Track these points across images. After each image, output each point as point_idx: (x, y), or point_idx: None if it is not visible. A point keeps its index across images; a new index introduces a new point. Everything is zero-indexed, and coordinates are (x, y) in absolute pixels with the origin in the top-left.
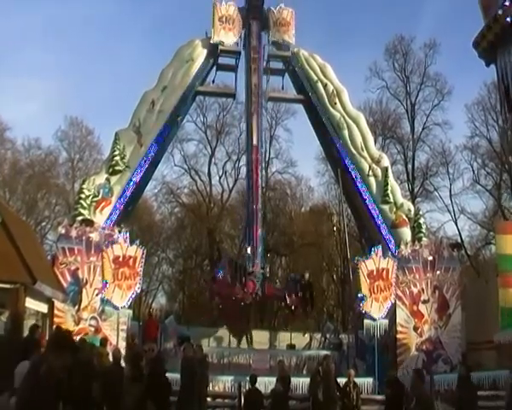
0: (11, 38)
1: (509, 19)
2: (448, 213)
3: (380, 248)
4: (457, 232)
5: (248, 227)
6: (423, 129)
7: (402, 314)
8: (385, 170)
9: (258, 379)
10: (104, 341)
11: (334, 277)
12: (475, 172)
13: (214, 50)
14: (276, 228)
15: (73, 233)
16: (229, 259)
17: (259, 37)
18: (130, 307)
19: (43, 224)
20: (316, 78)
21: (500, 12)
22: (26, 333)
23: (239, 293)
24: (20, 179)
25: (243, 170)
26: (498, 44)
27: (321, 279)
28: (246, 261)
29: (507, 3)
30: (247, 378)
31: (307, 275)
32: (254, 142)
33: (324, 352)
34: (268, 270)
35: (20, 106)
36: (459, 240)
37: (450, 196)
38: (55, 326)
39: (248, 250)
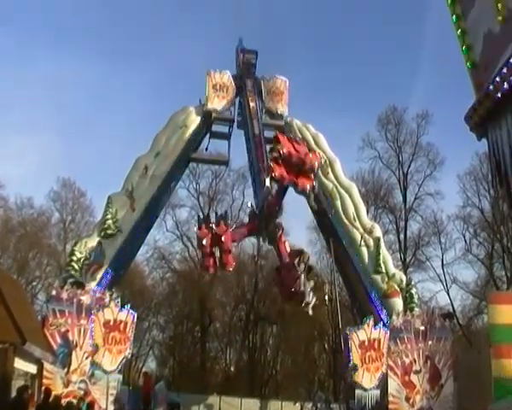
0: (5, 96)
1: (499, 94)
2: (440, 283)
3: (371, 319)
4: (449, 302)
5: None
6: (415, 199)
7: (394, 384)
8: (377, 240)
9: None
10: (91, 405)
11: (326, 346)
12: (467, 241)
13: (208, 118)
14: (267, 296)
15: (64, 295)
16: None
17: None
18: (120, 372)
19: (34, 283)
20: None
21: (491, 87)
22: (13, 394)
23: None
24: (11, 238)
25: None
26: (489, 119)
27: (312, 348)
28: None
29: (498, 79)
30: None
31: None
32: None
33: None
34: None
35: (14, 164)
36: (451, 310)
37: (442, 265)
38: (43, 388)
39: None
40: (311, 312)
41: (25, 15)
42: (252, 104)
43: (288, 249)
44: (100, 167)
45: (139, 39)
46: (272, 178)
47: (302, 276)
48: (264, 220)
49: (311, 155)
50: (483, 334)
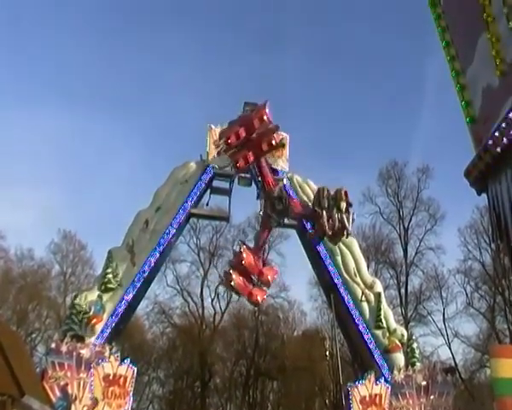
0: (7, 147)
1: (499, 149)
2: (441, 337)
3: (373, 374)
4: (451, 356)
5: None
6: (416, 253)
7: None
8: (378, 295)
9: None
10: None
11: (327, 401)
12: (469, 295)
13: (208, 174)
14: (268, 352)
15: (64, 348)
16: None
17: None
18: None
19: (34, 335)
20: (309, 203)
21: (491, 142)
22: None
23: None
24: (11, 289)
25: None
26: (489, 174)
27: (313, 403)
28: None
29: (497, 134)
30: None
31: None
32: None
33: None
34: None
35: (14, 215)
36: (453, 364)
37: (444, 319)
38: None
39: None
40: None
41: (29, 74)
42: None
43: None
44: (101, 221)
45: (139, 93)
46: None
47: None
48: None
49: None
50: (486, 388)
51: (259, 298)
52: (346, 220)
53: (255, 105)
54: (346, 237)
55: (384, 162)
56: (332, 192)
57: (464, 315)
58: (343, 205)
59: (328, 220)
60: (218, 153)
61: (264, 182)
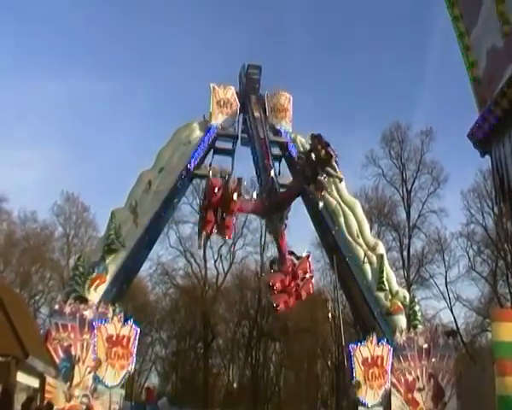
0: (10, 111)
1: (503, 111)
2: (443, 301)
3: (374, 336)
4: (453, 319)
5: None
6: (419, 216)
7: (397, 402)
8: (380, 257)
9: None
10: None
11: (329, 363)
12: (471, 259)
13: (211, 134)
14: (270, 313)
15: (67, 310)
16: None
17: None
18: (122, 387)
19: (37, 297)
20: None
21: (495, 103)
22: (17, 407)
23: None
24: (14, 251)
25: (238, 254)
26: (493, 136)
27: (315, 365)
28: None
29: (501, 95)
30: None
31: None
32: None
33: None
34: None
35: (18, 178)
36: (454, 327)
37: (446, 283)
38: (46, 402)
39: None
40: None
41: (36, 33)
42: (256, 114)
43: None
44: (103, 182)
45: (142, 54)
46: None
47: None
48: (270, 208)
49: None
50: (487, 351)
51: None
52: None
53: (258, 68)
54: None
55: (387, 125)
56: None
57: (466, 279)
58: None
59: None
60: None
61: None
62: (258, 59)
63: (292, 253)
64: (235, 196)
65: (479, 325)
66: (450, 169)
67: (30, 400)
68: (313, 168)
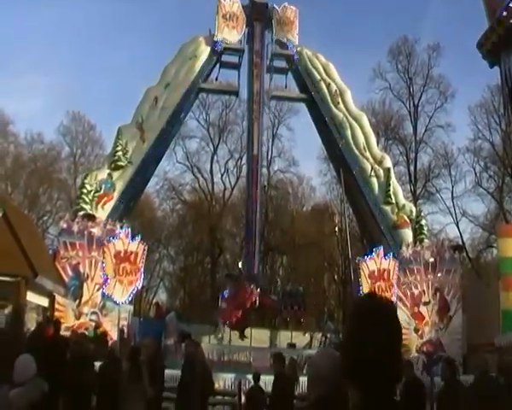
0: (15, 35)
1: None
2: (450, 216)
3: (381, 249)
4: (459, 235)
5: (246, 239)
6: (426, 131)
7: (403, 315)
8: (387, 171)
9: None
10: (104, 335)
11: (336, 277)
12: (477, 174)
13: (218, 48)
14: (277, 227)
15: (75, 228)
16: (230, 278)
17: (262, 40)
18: (131, 303)
19: (45, 218)
20: (319, 77)
21: (504, 14)
22: (28, 326)
23: (243, 303)
24: (22, 173)
25: (245, 168)
26: (502, 46)
27: (322, 279)
28: (242, 267)
29: (511, 5)
30: (247, 376)
31: (301, 288)
32: (255, 151)
33: None
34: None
35: (24, 100)
36: (460, 242)
37: (452, 198)
38: (54, 320)
39: (240, 265)
40: None
41: None
42: (256, 72)
43: None
44: (109, 100)
45: None
46: None
47: None
48: None
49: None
50: (492, 267)
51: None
52: None
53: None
54: None
55: (395, 38)
56: None
57: (473, 194)
58: None
59: None
60: None
61: None
62: None
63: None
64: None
65: (484, 241)
66: (458, 84)
67: (40, 326)
68: None
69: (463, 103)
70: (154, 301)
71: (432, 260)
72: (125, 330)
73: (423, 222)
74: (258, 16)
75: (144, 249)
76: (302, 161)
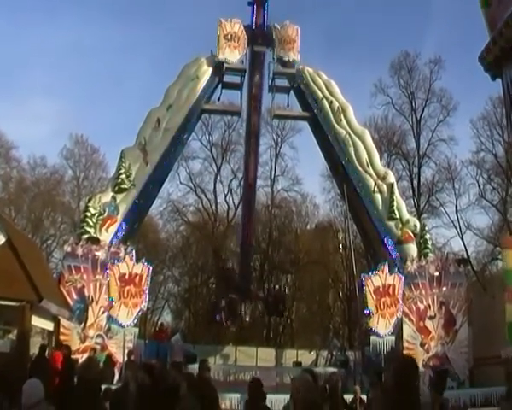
0: (17, 60)
1: None
2: (454, 229)
3: (386, 265)
4: (463, 248)
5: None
6: (429, 145)
7: (409, 330)
8: (390, 186)
9: None
10: (109, 357)
11: (340, 293)
12: (481, 187)
13: (219, 68)
14: (281, 246)
15: (79, 251)
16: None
17: (263, 61)
18: (136, 326)
19: (49, 242)
20: (321, 95)
21: (505, 26)
22: (33, 351)
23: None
24: (25, 198)
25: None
26: (504, 58)
27: (327, 296)
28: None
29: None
30: None
31: (285, 291)
32: (250, 180)
33: (331, 369)
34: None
35: (27, 125)
36: (465, 256)
37: (456, 211)
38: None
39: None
40: None
41: None
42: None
43: None
44: (112, 123)
45: None
46: None
47: None
48: None
49: None
50: (497, 279)
51: None
52: None
53: None
54: None
55: (396, 53)
56: None
57: (477, 207)
58: None
59: None
60: None
61: None
62: None
63: None
64: None
65: (489, 254)
66: (460, 97)
67: (43, 349)
68: None
69: (465, 117)
70: (160, 322)
71: (437, 274)
72: (133, 352)
73: (428, 236)
74: (260, 36)
75: (149, 271)
76: (305, 178)
